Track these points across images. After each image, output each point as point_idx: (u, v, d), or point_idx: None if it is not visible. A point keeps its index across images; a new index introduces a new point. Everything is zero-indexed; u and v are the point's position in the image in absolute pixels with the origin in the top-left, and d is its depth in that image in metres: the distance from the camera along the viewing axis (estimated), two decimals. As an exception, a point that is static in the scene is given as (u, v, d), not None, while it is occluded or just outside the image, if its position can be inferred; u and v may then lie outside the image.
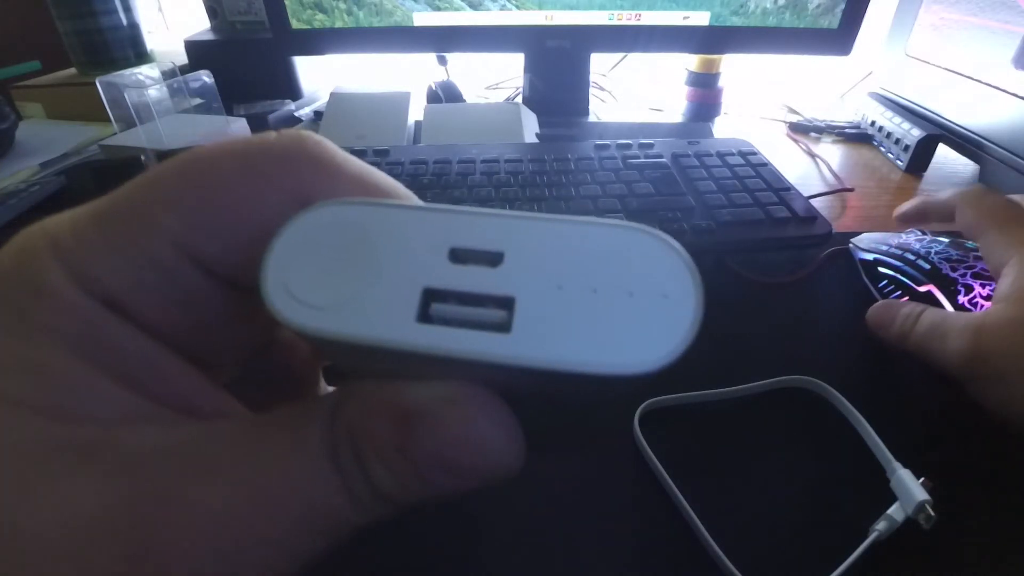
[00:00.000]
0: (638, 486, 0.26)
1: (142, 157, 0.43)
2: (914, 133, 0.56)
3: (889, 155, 0.60)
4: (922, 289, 0.34)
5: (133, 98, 0.53)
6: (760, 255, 0.42)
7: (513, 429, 0.10)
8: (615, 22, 0.59)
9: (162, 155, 0.46)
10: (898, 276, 0.36)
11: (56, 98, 0.72)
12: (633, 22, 0.59)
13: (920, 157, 0.56)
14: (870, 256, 0.39)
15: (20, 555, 0.09)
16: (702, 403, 0.29)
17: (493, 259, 0.10)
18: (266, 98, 0.68)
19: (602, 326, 0.09)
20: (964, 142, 0.54)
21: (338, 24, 0.59)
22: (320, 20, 0.59)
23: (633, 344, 0.09)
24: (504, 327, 0.09)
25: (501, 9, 0.58)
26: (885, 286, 0.36)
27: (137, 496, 0.09)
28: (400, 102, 0.61)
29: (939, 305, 0.32)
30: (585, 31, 0.60)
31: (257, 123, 0.61)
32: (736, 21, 0.58)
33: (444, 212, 0.10)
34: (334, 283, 0.10)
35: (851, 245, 0.41)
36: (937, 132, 0.55)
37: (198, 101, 0.61)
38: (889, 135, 0.60)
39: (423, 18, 0.59)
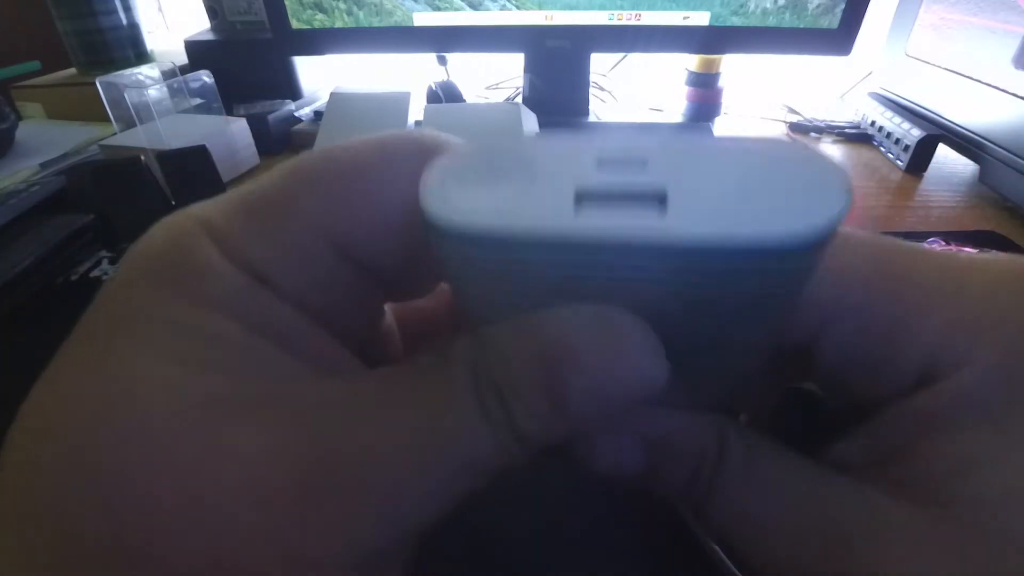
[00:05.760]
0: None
1: (142, 157, 0.43)
2: (914, 133, 0.56)
3: (889, 155, 0.60)
4: None
5: (133, 98, 0.53)
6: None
7: (657, 350, 0.10)
8: (615, 22, 0.59)
9: (162, 155, 0.46)
10: None
11: (56, 98, 0.72)
12: (633, 22, 0.59)
13: (920, 157, 0.56)
14: None
15: (207, 490, 0.09)
16: (702, 403, 0.29)
17: (640, 165, 0.10)
18: (266, 98, 0.68)
19: (754, 206, 0.09)
20: (964, 142, 0.54)
21: (338, 24, 0.59)
22: (320, 20, 0.59)
23: (787, 217, 0.09)
24: (661, 204, 0.09)
25: (501, 9, 0.59)
26: None
27: (313, 439, 0.10)
28: (400, 102, 0.61)
29: None
30: (585, 31, 0.60)
31: (257, 123, 0.60)
32: (736, 21, 0.58)
33: (588, 132, 0.11)
34: (490, 191, 0.10)
35: None
36: (937, 132, 0.55)
37: (198, 101, 0.61)
38: (889, 135, 0.60)
39: (423, 18, 0.59)
